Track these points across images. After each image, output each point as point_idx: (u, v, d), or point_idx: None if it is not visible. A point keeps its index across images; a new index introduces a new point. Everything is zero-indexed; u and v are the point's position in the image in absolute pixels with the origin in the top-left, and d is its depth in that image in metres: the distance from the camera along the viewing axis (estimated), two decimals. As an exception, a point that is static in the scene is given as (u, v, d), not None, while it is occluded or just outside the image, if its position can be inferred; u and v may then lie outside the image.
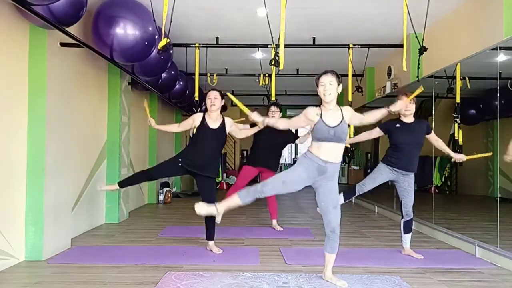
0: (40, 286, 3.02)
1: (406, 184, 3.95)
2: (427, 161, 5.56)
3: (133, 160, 6.61)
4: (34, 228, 3.64)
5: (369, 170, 8.45)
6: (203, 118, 3.99)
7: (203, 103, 4.22)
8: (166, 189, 7.97)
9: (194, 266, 3.57)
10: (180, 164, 3.98)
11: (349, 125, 3.27)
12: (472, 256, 4.03)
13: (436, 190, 5.77)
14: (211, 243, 4.09)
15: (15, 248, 3.53)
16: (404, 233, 4.03)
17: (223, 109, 4.15)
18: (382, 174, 4.01)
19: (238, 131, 4.18)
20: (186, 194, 9.19)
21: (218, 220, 3.25)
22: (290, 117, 14.64)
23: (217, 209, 3.18)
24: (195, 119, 4.01)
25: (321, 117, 3.00)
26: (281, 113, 5.20)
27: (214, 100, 3.95)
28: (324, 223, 3.15)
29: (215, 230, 4.11)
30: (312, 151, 3.04)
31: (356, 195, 4.13)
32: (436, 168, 5.68)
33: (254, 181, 4.67)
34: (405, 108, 3.82)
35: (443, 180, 5.97)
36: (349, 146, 5.15)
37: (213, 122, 3.98)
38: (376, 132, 4.10)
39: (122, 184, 4.16)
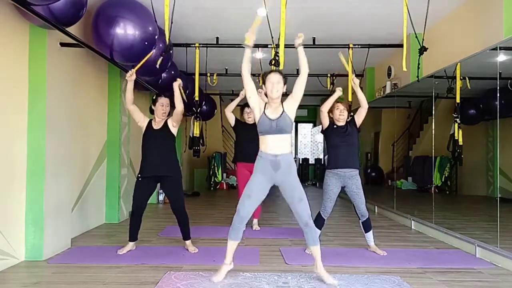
0: (40, 286, 3.03)
1: (355, 187, 4.00)
2: (427, 161, 5.56)
3: (133, 160, 6.60)
4: (34, 228, 3.64)
5: (368, 170, 8.47)
6: (149, 122, 4.07)
7: (203, 103, 4.22)
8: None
9: (194, 266, 3.57)
10: (140, 179, 4.01)
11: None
12: (472, 256, 4.03)
13: (436, 190, 5.77)
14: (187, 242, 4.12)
15: (15, 248, 3.53)
16: (365, 232, 4.12)
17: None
18: (332, 185, 4.03)
19: (176, 115, 4.05)
20: (186, 194, 9.18)
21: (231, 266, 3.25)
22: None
23: (228, 263, 3.20)
24: (145, 121, 4.08)
25: (264, 111, 3.12)
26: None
27: (166, 108, 4.02)
28: (296, 218, 3.19)
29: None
30: (261, 149, 3.15)
31: (325, 220, 4.11)
32: (436, 168, 5.68)
33: None
34: (339, 113, 4.05)
35: (443, 180, 5.98)
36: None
37: (157, 123, 4.05)
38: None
39: (132, 237, 4.05)
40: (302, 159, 14.77)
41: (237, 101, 5.04)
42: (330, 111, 4.10)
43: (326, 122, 4.11)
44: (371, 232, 4.12)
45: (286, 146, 3.12)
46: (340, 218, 6.28)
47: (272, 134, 3.08)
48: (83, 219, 4.89)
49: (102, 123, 5.47)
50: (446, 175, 5.98)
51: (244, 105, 5.30)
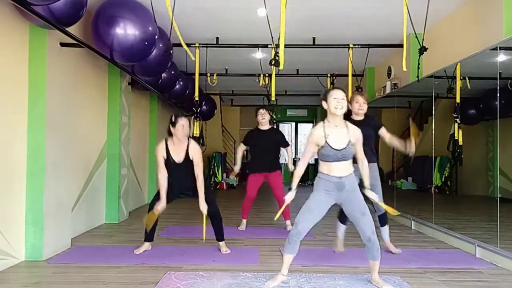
0: (40, 286, 3.03)
1: (372, 179, 3.94)
2: (427, 161, 5.56)
3: (133, 160, 6.61)
4: (34, 228, 3.64)
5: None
6: (167, 149, 3.91)
7: (203, 103, 4.21)
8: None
9: (194, 266, 3.57)
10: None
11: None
12: (472, 256, 4.03)
13: (436, 190, 5.77)
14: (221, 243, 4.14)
15: (15, 248, 3.53)
16: (381, 226, 4.07)
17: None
18: None
19: (199, 160, 4.01)
20: (187, 194, 9.16)
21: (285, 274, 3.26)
22: (290, 116, 14.46)
23: (284, 275, 3.14)
24: (161, 153, 3.93)
25: (326, 141, 3.01)
26: (272, 114, 5.30)
27: (186, 129, 3.90)
28: (360, 233, 3.14)
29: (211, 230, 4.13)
30: (323, 171, 3.09)
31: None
32: (436, 168, 5.68)
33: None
34: (359, 107, 3.96)
35: (443, 180, 5.98)
36: None
37: (178, 155, 3.91)
38: None
39: (148, 238, 4.09)
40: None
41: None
42: (349, 102, 3.95)
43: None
44: (387, 226, 4.07)
45: (350, 168, 3.09)
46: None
47: (337, 162, 3.03)
48: (83, 219, 4.89)
49: (102, 123, 5.47)
50: (446, 175, 5.98)
51: (259, 106, 5.31)
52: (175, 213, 6.60)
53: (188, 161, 3.94)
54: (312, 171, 14.58)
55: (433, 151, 5.28)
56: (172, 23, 3.79)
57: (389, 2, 4.99)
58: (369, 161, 3.94)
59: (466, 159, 4.92)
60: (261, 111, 5.22)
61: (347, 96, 3.09)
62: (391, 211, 3.35)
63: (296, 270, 3.47)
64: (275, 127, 5.12)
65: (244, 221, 5.37)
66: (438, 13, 5.17)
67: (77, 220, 4.70)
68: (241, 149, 5.39)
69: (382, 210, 4.00)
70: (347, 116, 3.96)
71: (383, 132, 4.05)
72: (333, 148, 2.99)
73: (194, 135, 6.23)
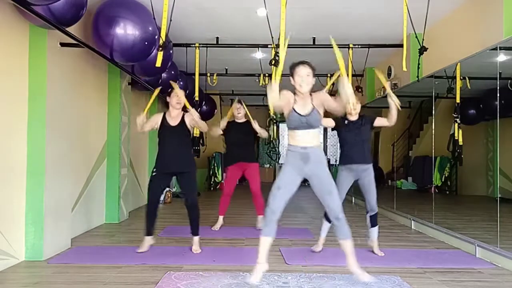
0: (40, 286, 3.02)
1: (367, 180, 3.99)
2: (427, 161, 5.57)
3: (133, 160, 6.61)
4: (34, 228, 3.64)
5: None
6: (163, 117, 4.06)
7: (203, 103, 4.23)
8: (166, 189, 7.96)
9: (194, 266, 3.57)
10: (155, 174, 4.03)
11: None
12: (472, 256, 4.03)
13: (436, 190, 5.77)
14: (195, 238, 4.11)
15: (15, 248, 3.53)
16: (371, 226, 4.10)
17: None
18: (343, 177, 4.02)
19: (196, 122, 4.08)
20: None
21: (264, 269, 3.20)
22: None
23: (262, 264, 3.11)
24: (158, 118, 4.08)
25: (293, 107, 3.08)
26: (245, 109, 5.28)
27: (181, 99, 4.02)
28: (327, 212, 3.18)
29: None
30: (290, 142, 3.16)
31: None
32: (436, 168, 5.68)
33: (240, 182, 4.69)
34: (353, 107, 3.93)
35: (443, 180, 5.99)
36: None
37: (173, 119, 4.04)
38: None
39: (148, 232, 4.07)
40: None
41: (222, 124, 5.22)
42: None
43: (331, 124, 4.06)
44: (376, 228, 4.10)
45: (315, 140, 3.13)
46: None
47: (302, 130, 3.08)
48: (83, 219, 4.89)
49: (102, 123, 5.47)
50: (446, 175, 5.99)
51: (236, 100, 5.32)
52: (175, 213, 6.60)
53: (183, 127, 4.01)
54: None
55: (433, 151, 5.29)
56: (166, 21, 3.78)
57: (389, 2, 4.99)
58: (366, 163, 3.97)
59: (466, 159, 4.93)
60: (236, 105, 5.24)
61: (313, 70, 3.11)
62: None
63: (296, 270, 3.47)
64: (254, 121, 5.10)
65: (221, 218, 5.27)
66: (438, 13, 5.16)
67: (77, 220, 4.69)
68: (219, 131, 5.28)
69: (374, 210, 4.02)
70: (343, 116, 3.99)
71: (380, 121, 4.04)
72: (298, 113, 3.06)
73: (194, 135, 6.23)
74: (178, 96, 4.02)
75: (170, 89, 4.12)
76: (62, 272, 3.35)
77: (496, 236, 3.80)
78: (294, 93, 3.14)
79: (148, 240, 4.05)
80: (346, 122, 4.02)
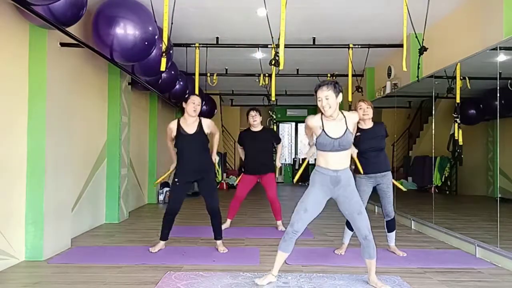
0: (40, 286, 3.02)
1: (385, 186, 3.96)
2: (427, 161, 5.57)
3: (133, 160, 6.61)
4: (34, 228, 3.64)
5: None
6: (178, 125, 4.02)
7: (203, 103, 4.22)
8: (166, 189, 7.96)
9: (194, 266, 3.57)
10: (178, 184, 4.04)
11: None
12: (472, 256, 4.03)
13: (436, 190, 5.77)
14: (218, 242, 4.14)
15: (15, 248, 3.53)
16: (388, 232, 4.12)
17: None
18: (363, 186, 3.97)
19: (214, 129, 4.18)
20: (187, 194, 9.17)
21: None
22: (290, 116, 14.45)
23: (274, 276, 3.15)
24: (171, 128, 4.06)
25: (323, 129, 3.00)
26: (261, 117, 5.26)
27: (197, 107, 3.99)
28: (355, 231, 3.13)
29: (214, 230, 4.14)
30: (320, 164, 3.07)
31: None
32: (436, 168, 5.68)
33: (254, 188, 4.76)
34: (363, 113, 3.88)
35: (443, 180, 5.98)
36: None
37: (189, 127, 4.00)
38: None
39: (164, 237, 4.10)
40: (302, 158, 14.76)
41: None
42: (354, 110, 3.95)
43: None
44: (394, 232, 4.11)
45: (346, 162, 3.06)
46: (340, 218, 6.26)
47: (334, 152, 3.00)
48: (83, 219, 4.89)
49: (102, 123, 5.47)
50: (446, 175, 5.98)
51: (250, 108, 5.28)
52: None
53: (201, 134, 3.99)
54: (311, 170, 14.59)
55: (433, 151, 5.28)
56: (167, 24, 3.79)
57: (389, 2, 4.99)
58: (386, 170, 3.94)
59: (466, 159, 4.93)
60: (252, 113, 5.18)
61: (337, 87, 2.99)
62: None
63: (296, 270, 3.47)
64: (269, 127, 5.10)
65: (229, 221, 5.30)
66: (438, 13, 5.17)
67: (77, 220, 4.69)
68: (240, 147, 5.40)
69: (390, 216, 4.01)
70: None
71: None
72: (330, 137, 2.97)
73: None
74: (194, 104, 3.98)
75: (187, 95, 4.08)
76: (62, 272, 3.35)
77: (496, 236, 3.80)
78: (322, 113, 3.07)
79: (162, 244, 4.10)
80: (357, 134, 3.87)
